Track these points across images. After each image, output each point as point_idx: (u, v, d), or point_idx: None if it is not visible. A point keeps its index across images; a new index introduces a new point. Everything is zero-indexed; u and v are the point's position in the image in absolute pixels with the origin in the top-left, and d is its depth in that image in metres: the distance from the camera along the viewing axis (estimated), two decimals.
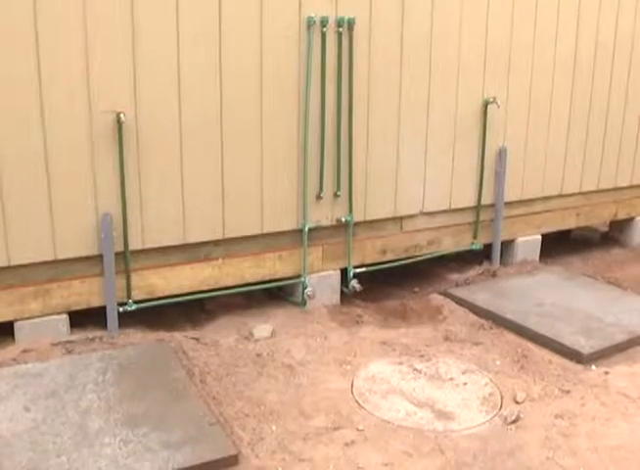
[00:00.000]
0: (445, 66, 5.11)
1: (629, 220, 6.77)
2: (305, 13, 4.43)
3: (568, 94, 5.83)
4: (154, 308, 4.39)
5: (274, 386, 3.85)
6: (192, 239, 4.39)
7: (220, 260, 4.54)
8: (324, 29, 4.49)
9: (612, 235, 6.98)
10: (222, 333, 4.45)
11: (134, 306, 4.28)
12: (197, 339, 4.27)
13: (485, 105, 5.35)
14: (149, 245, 4.27)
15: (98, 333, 4.20)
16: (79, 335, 4.16)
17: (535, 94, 5.65)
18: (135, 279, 4.28)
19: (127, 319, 4.32)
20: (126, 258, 4.19)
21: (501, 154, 5.53)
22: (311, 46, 4.48)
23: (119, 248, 4.16)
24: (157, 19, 4.00)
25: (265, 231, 4.62)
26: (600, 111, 6.10)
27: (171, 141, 4.19)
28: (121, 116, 3.94)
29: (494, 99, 5.31)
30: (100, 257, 4.13)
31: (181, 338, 4.23)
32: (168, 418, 3.33)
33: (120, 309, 4.24)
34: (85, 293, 4.18)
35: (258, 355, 4.17)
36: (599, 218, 6.56)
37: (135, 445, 3.13)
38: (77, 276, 4.14)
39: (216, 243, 4.50)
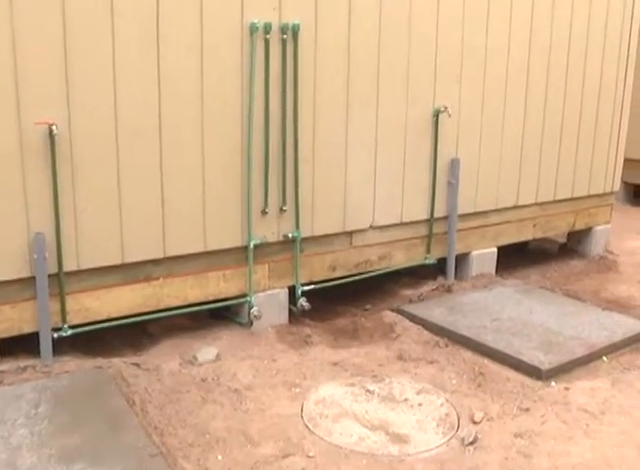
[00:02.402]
0: (394, 73, 5.15)
1: (588, 231, 6.89)
2: (248, 19, 4.42)
3: (521, 102, 5.92)
4: (91, 333, 4.32)
5: (220, 412, 3.81)
6: (131, 258, 4.33)
7: (161, 280, 4.49)
8: (267, 36, 4.49)
9: (570, 246, 7.08)
10: (164, 357, 4.40)
11: (70, 332, 4.21)
12: (137, 364, 4.22)
13: (436, 114, 5.39)
14: (85, 266, 4.20)
15: (30, 361, 4.10)
16: (10, 364, 4.06)
17: (488, 103, 5.72)
18: (70, 303, 4.21)
19: (62, 346, 4.24)
20: (61, 281, 4.12)
21: (453, 164, 5.58)
22: (254, 54, 4.48)
23: (53, 269, 4.08)
24: (90, 25, 3.94)
25: (208, 249, 4.58)
26: (555, 120, 6.20)
27: (108, 155, 4.13)
28: (54, 128, 3.88)
29: (445, 108, 5.36)
30: (32, 279, 4.04)
31: (120, 364, 4.16)
32: (107, 451, 3.26)
33: (55, 335, 4.16)
34: (16, 319, 4.09)
35: (203, 380, 4.13)
36: (557, 229, 6.66)
37: None
38: (7, 301, 4.05)
39: (157, 262, 4.45)
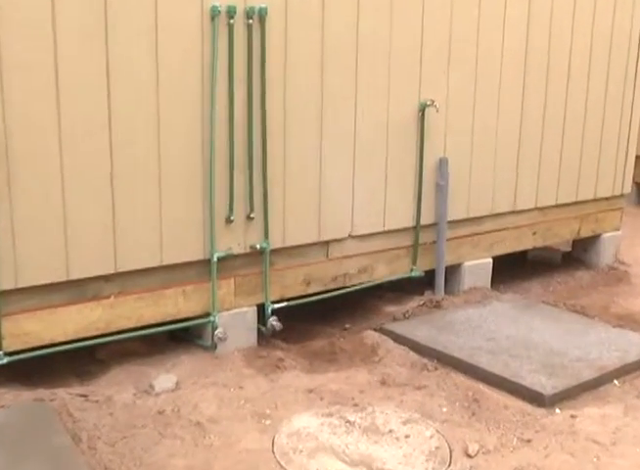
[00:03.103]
0: (375, 63, 5.16)
1: (594, 238, 6.91)
2: (209, 1, 4.41)
3: (519, 94, 5.95)
4: (32, 361, 4.29)
5: (180, 449, 3.78)
6: (77, 274, 4.30)
7: (112, 299, 4.46)
8: (231, 21, 4.49)
9: (575, 255, 7.12)
10: (116, 387, 4.37)
11: (5, 360, 4.17)
12: (85, 396, 4.19)
13: (422, 109, 5.41)
14: (24, 283, 4.16)
15: None
16: None
17: (481, 96, 5.74)
18: (7, 326, 4.16)
19: None
20: None
21: (442, 165, 5.58)
22: (216, 41, 4.47)
23: None
24: (27, 9, 3.90)
25: (165, 263, 4.56)
26: (557, 114, 6.22)
27: (49, 158, 4.10)
28: None
29: (432, 102, 5.37)
30: None
31: (65, 395, 4.14)
32: None
33: None
34: None
35: (160, 413, 4.10)
36: (559, 237, 6.69)
37: None
38: None
39: (107, 278, 4.43)
